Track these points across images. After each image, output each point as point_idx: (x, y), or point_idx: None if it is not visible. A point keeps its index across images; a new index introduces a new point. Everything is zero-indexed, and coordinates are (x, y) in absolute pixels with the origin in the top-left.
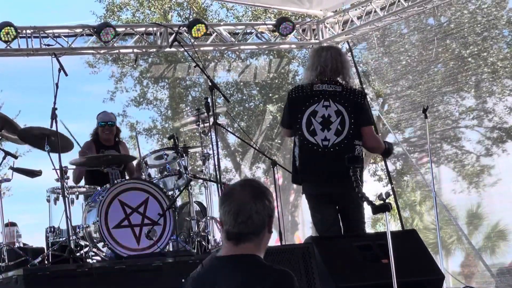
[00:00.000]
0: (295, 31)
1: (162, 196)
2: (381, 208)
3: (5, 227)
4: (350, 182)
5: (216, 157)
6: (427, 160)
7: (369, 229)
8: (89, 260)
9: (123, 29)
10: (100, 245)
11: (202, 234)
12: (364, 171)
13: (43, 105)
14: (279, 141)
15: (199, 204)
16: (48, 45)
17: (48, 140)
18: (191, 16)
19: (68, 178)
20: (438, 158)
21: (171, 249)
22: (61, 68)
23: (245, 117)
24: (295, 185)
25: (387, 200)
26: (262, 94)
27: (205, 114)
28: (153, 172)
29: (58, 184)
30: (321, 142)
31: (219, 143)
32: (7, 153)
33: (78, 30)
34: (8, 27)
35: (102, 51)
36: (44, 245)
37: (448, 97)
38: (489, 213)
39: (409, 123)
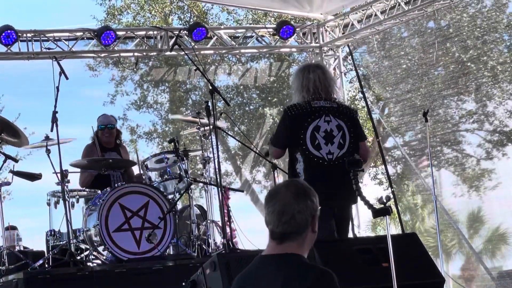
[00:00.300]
0: (295, 34)
1: (163, 200)
2: (382, 212)
3: (5, 230)
4: (352, 195)
5: (216, 161)
6: (428, 164)
7: (369, 233)
8: (89, 264)
9: (124, 32)
10: (100, 248)
11: (203, 237)
12: (364, 174)
13: (44, 108)
14: None
15: (200, 207)
16: (49, 48)
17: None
18: (191, 20)
19: (68, 181)
20: (439, 161)
21: (171, 253)
22: (62, 71)
23: (246, 120)
24: None
25: (387, 204)
26: (262, 97)
27: (205, 118)
28: (153, 175)
29: (59, 188)
30: (326, 155)
31: (219, 146)
32: (7, 157)
33: (78, 34)
34: (9, 31)
35: (102, 55)
36: (44, 248)
37: (448, 100)
38: (489, 217)
39: (410, 126)
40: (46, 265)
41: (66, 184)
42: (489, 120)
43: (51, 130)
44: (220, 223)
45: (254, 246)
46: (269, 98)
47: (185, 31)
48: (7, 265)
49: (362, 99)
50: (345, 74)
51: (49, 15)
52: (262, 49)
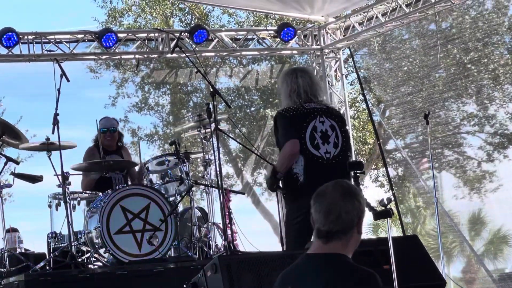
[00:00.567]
0: (296, 36)
1: (164, 202)
2: (383, 214)
3: (6, 233)
4: None
5: (217, 163)
6: (429, 166)
7: (370, 235)
8: (90, 266)
9: (125, 34)
10: (101, 250)
11: (204, 239)
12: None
13: (45, 110)
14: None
15: (201, 209)
16: (50, 50)
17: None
18: (192, 22)
19: (69, 184)
20: (440, 164)
21: (172, 255)
22: (63, 73)
23: (247, 122)
24: None
25: (388, 206)
26: (263, 99)
27: (207, 119)
28: (154, 178)
29: (60, 190)
30: (324, 155)
31: (220, 148)
32: (8, 159)
33: (79, 36)
34: (10, 33)
35: (103, 57)
36: (45, 250)
37: (450, 103)
38: (490, 219)
39: (410, 129)
40: (47, 267)
41: (67, 186)
42: (490, 122)
43: (52, 133)
44: (221, 225)
45: (255, 248)
46: (270, 100)
47: (186, 33)
48: (8, 267)
49: (363, 101)
50: (346, 76)
51: (50, 17)
52: (263, 51)
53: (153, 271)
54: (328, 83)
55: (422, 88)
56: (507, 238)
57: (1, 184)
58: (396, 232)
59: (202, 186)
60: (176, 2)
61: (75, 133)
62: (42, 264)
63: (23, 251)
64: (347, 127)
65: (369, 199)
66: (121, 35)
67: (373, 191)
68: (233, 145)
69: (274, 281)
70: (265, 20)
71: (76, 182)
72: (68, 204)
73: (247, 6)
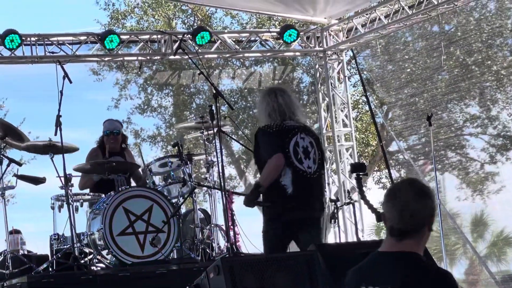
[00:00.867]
0: (299, 38)
1: (167, 204)
2: None
3: (9, 234)
4: (324, 207)
5: (220, 165)
6: (431, 168)
7: (373, 237)
8: (93, 268)
9: (128, 36)
10: (104, 252)
11: (206, 241)
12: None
13: (48, 112)
14: None
15: (203, 211)
16: (53, 52)
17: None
18: (195, 24)
19: (72, 185)
20: (442, 165)
21: (175, 257)
22: (66, 75)
23: (249, 124)
24: None
25: None
26: None
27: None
28: (157, 179)
29: (63, 192)
30: (307, 169)
31: (223, 150)
32: (11, 160)
33: (82, 38)
34: (13, 35)
35: (106, 59)
36: (48, 252)
37: (452, 105)
38: (493, 220)
39: (413, 130)
40: (50, 269)
41: (70, 188)
42: (493, 124)
43: (55, 134)
44: (224, 227)
45: (258, 250)
46: None
47: (189, 35)
48: (11, 269)
49: (366, 103)
50: (348, 78)
51: (53, 20)
52: (266, 53)
53: (156, 273)
54: (331, 85)
55: (425, 90)
56: (510, 240)
57: (4, 185)
58: None
59: (204, 188)
60: (178, 4)
61: (78, 135)
62: (44, 265)
63: (25, 252)
64: (322, 146)
65: (371, 201)
66: (123, 37)
67: (376, 192)
68: (236, 146)
69: (277, 282)
70: (268, 22)
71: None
72: (70, 205)
73: (250, 8)
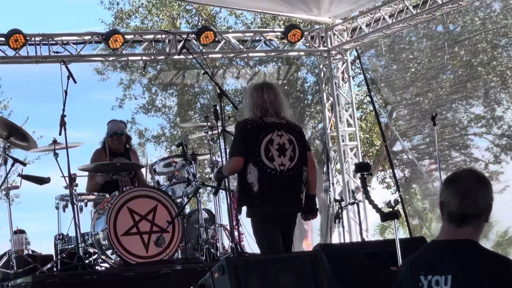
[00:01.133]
0: (303, 38)
1: (171, 204)
2: (390, 216)
3: (13, 234)
4: (300, 203)
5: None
6: (436, 168)
7: (377, 237)
8: (97, 267)
9: (132, 36)
10: (108, 252)
11: (211, 241)
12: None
13: (52, 112)
14: None
15: (208, 211)
16: (57, 52)
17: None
18: (199, 23)
19: (77, 185)
20: (447, 165)
21: (179, 257)
22: (70, 75)
23: None
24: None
25: (395, 208)
26: None
27: (214, 121)
28: (161, 179)
29: (67, 191)
30: (278, 167)
31: (227, 150)
32: (15, 160)
33: (86, 37)
34: (17, 34)
35: (110, 58)
36: (52, 252)
37: (457, 104)
38: (497, 221)
39: (417, 130)
40: (55, 269)
41: (74, 188)
42: (497, 124)
43: (59, 134)
44: (228, 227)
45: None
46: None
47: (193, 35)
48: (15, 268)
49: (370, 103)
50: (353, 78)
51: (57, 19)
52: (270, 53)
53: (160, 272)
54: (335, 85)
55: (429, 89)
56: None
57: (9, 185)
58: (403, 233)
59: (209, 188)
60: (183, 3)
61: (82, 135)
62: (49, 265)
63: (30, 252)
64: (306, 143)
65: (376, 201)
66: (128, 37)
67: (380, 192)
68: None
69: (281, 282)
70: (272, 21)
71: (83, 184)
72: (75, 205)
73: (254, 8)
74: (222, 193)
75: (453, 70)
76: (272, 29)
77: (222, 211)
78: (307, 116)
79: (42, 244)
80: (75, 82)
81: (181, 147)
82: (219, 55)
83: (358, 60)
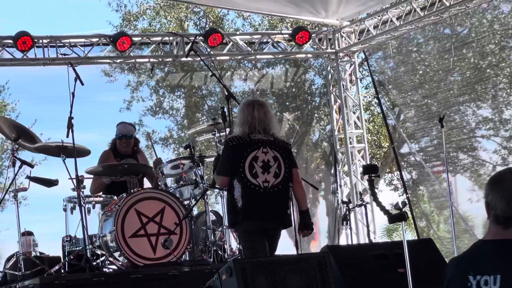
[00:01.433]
0: (311, 40)
1: (179, 206)
2: (398, 218)
3: (21, 236)
4: (285, 219)
5: None
6: (443, 170)
7: (385, 239)
8: (105, 269)
9: (140, 38)
10: (116, 254)
11: (219, 243)
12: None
13: (59, 114)
14: (295, 151)
15: (215, 213)
16: (65, 54)
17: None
18: (207, 25)
19: (84, 187)
20: (454, 167)
21: (187, 259)
22: (77, 77)
23: None
24: (310, 194)
25: (403, 210)
26: (279, 103)
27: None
28: (169, 181)
29: (75, 193)
30: (262, 183)
31: None
32: (23, 162)
33: (94, 40)
34: (25, 37)
35: (118, 61)
36: (60, 254)
37: (465, 107)
38: None
39: (425, 132)
40: (62, 271)
41: (82, 190)
42: (505, 126)
43: (67, 136)
44: None
45: None
46: (286, 104)
47: (201, 37)
48: (23, 270)
49: (378, 105)
50: (360, 80)
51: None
52: (278, 55)
53: (168, 274)
54: (343, 87)
55: (437, 92)
56: None
57: (17, 187)
58: (410, 235)
59: (216, 190)
60: (190, 5)
61: (90, 137)
62: (57, 267)
63: (38, 254)
64: (293, 160)
65: (383, 203)
66: (135, 39)
67: (387, 194)
68: None
69: (289, 284)
70: (280, 23)
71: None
72: (83, 207)
73: (262, 10)
74: None
75: (461, 72)
76: (279, 31)
77: None
78: (315, 118)
79: (50, 246)
80: (82, 84)
81: (188, 149)
82: (227, 57)
83: (365, 62)
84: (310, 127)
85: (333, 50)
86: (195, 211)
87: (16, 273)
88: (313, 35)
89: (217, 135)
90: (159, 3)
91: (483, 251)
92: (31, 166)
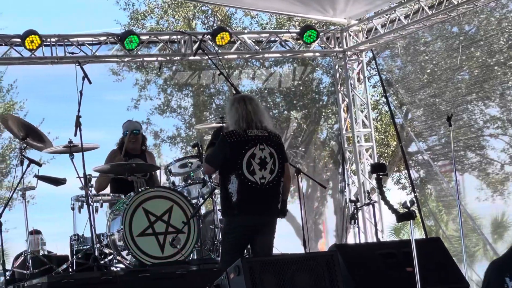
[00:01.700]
0: (319, 39)
1: (186, 204)
2: (406, 216)
3: (29, 235)
4: (276, 212)
5: None
6: (451, 168)
7: (393, 238)
8: (113, 268)
9: (147, 37)
10: (124, 253)
11: None
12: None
13: (67, 113)
14: (303, 149)
15: None
16: (72, 53)
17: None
18: (215, 24)
19: (92, 186)
20: (462, 166)
21: (195, 257)
22: (85, 76)
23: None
24: (318, 193)
25: (411, 208)
26: (286, 101)
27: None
28: (177, 180)
29: (83, 192)
30: (259, 180)
31: None
32: (31, 161)
33: (102, 38)
34: (33, 35)
35: (126, 59)
36: (68, 253)
37: (473, 105)
38: None
39: (433, 131)
40: (70, 270)
41: (90, 188)
42: None
43: (75, 135)
44: None
45: (278, 250)
46: (294, 102)
47: (209, 36)
48: (31, 269)
49: (386, 103)
50: (368, 79)
51: (73, 20)
52: (285, 53)
53: (176, 273)
54: (351, 86)
55: (445, 90)
56: None
57: (25, 186)
58: (418, 234)
59: None
60: (198, 4)
61: (97, 136)
62: (65, 266)
63: (46, 253)
64: (285, 154)
65: (391, 202)
66: (143, 37)
67: (395, 193)
68: None
69: (297, 283)
70: (288, 22)
71: None
72: (90, 206)
73: (270, 9)
74: None
75: (469, 70)
76: (287, 30)
77: None
78: (323, 117)
79: (58, 244)
80: (90, 82)
81: (196, 148)
82: (235, 56)
83: (373, 61)
84: (318, 126)
85: (341, 49)
86: (203, 210)
87: (24, 271)
88: (321, 34)
89: None
90: (167, 2)
91: None
92: (39, 165)
